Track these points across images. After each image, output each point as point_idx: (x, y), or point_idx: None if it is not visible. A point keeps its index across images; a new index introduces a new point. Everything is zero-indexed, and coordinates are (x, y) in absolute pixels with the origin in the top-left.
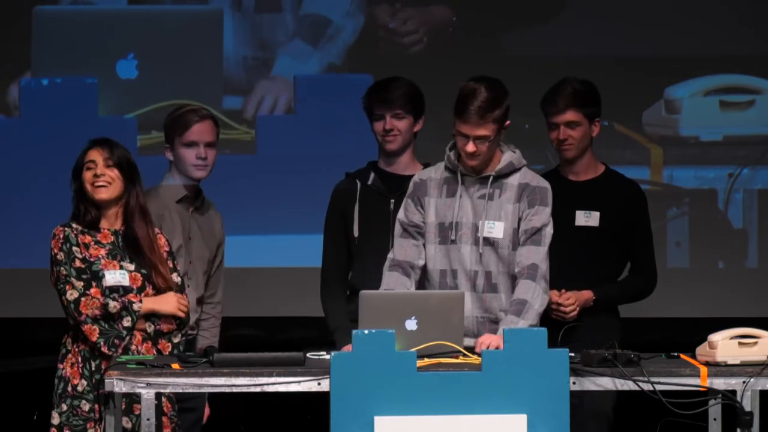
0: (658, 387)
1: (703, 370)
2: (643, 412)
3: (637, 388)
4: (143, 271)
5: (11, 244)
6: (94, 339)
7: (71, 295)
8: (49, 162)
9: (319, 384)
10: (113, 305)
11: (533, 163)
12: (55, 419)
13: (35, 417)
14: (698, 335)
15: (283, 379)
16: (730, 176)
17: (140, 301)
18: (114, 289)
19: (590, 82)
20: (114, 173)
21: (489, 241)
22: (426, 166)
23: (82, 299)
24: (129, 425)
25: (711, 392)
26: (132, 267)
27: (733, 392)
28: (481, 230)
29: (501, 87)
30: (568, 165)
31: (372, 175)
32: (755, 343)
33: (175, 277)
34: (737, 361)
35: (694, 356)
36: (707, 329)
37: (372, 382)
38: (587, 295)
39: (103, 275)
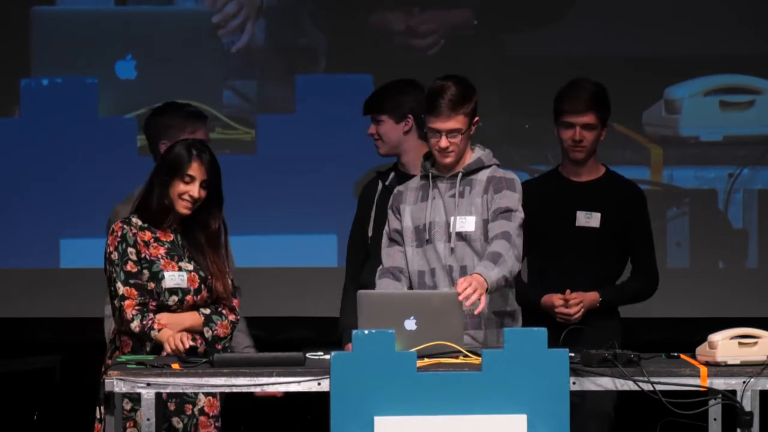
0: (658, 387)
1: (703, 370)
2: (643, 412)
3: (637, 388)
4: (201, 273)
5: (11, 244)
6: (125, 351)
7: (117, 302)
8: (49, 162)
9: (319, 384)
10: (135, 325)
11: (533, 163)
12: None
13: (35, 417)
14: (698, 335)
15: (283, 379)
16: (730, 176)
17: (159, 330)
18: (173, 291)
19: (602, 85)
20: (204, 194)
21: (462, 236)
22: None
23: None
24: (180, 425)
25: (711, 392)
26: (191, 267)
27: (733, 392)
28: (453, 226)
29: (468, 83)
30: (572, 166)
31: (392, 175)
32: (755, 343)
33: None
34: (737, 361)
35: (694, 356)
36: (707, 329)
37: (372, 382)
38: (593, 296)
39: (163, 276)
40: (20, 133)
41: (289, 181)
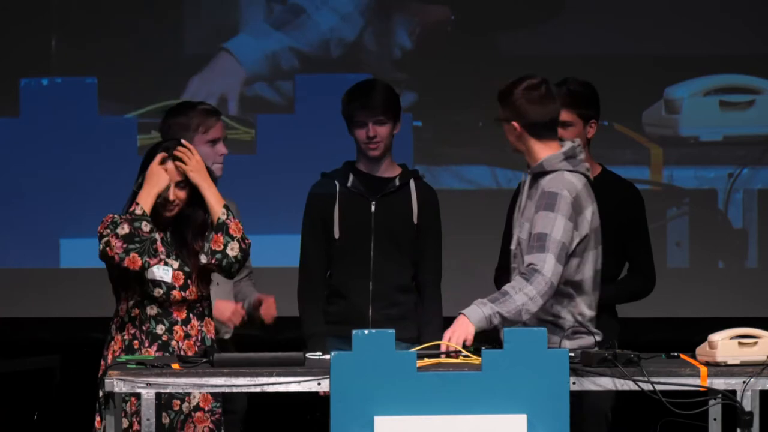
0: (658, 387)
1: (703, 370)
2: (643, 412)
3: (637, 388)
4: (186, 269)
5: (11, 244)
6: (138, 265)
7: (105, 240)
8: (49, 162)
9: (319, 384)
10: (121, 223)
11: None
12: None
13: (35, 417)
14: (698, 335)
15: (283, 379)
16: (730, 176)
17: (137, 204)
18: (157, 284)
19: (590, 83)
20: (184, 193)
21: (518, 241)
22: (403, 167)
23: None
24: (167, 421)
25: (711, 392)
26: (176, 265)
27: (733, 392)
28: (519, 230)
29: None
30: None
31: (351, 176)
32: (755, 343)
33: None
34: (737, 361)
35: (694, 356)
36: (707, 329)
37: (372, 382)
38: None
39: (149, 266)
40: (20, 133)
41: (289, 181)
